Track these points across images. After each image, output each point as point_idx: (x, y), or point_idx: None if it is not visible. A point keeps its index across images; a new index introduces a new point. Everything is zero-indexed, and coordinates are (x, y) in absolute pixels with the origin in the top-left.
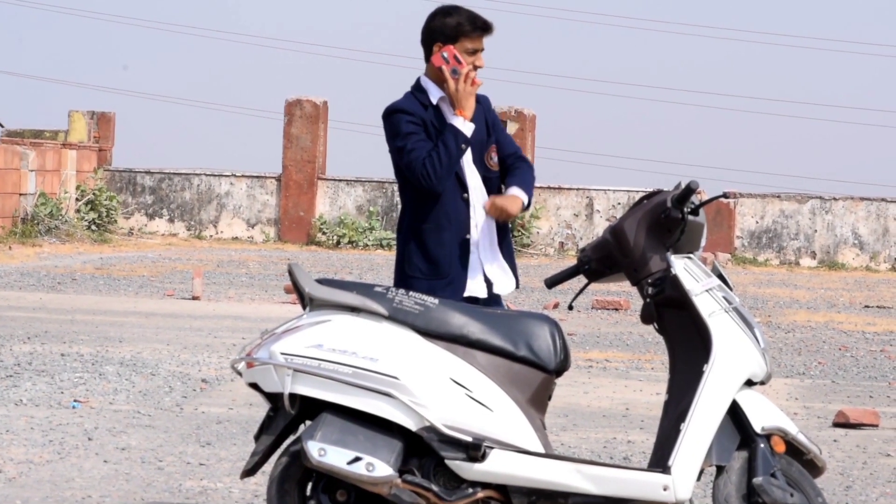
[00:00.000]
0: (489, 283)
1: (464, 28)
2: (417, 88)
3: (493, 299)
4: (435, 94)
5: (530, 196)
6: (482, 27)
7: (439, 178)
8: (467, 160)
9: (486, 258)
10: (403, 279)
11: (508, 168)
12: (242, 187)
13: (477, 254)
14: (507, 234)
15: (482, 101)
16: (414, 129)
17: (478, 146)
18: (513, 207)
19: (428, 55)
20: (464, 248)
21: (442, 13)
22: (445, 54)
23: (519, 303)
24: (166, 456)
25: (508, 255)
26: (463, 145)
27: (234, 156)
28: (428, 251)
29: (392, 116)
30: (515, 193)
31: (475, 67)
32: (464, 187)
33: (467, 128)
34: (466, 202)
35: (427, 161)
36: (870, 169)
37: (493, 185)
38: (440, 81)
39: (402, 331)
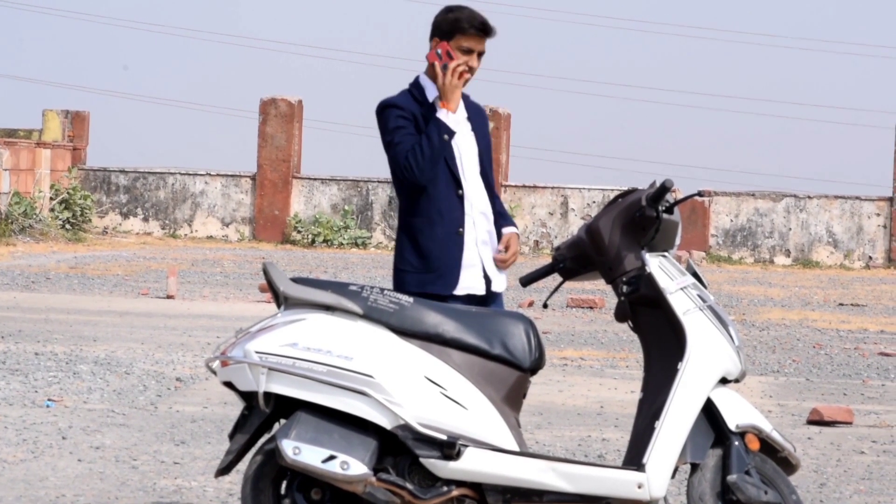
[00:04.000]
0: (489, 280)
1: (460, 25)
2: (415, 85)
3: (493, 298)
4: (432, 92)
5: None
6: (479, 28)
7: (421, 169)
8: (468, 159)
9: (486, 254)
10: (396, 274)
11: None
12: (217, 186)
13: (475, 249)
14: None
15: (482, 113)
16: (403, 123)
17: (486, 153)
18: (517, 248)
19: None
20: (457, 242)
21: (444, 10)
22: (439, 50)
23: None
24: (140, 455)
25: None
26: (446, 136)
27: (209, 155)
28: (419, 245)
29: (384, 112)
30: (513, 232)
31: (469, 68)
32: (458, 183)
33: (451, 120)
34: (461, 198)
35: (410, 153)
36: (844, 167)
37: (492, 189)
38: (435, 77)
39: (376, 329)
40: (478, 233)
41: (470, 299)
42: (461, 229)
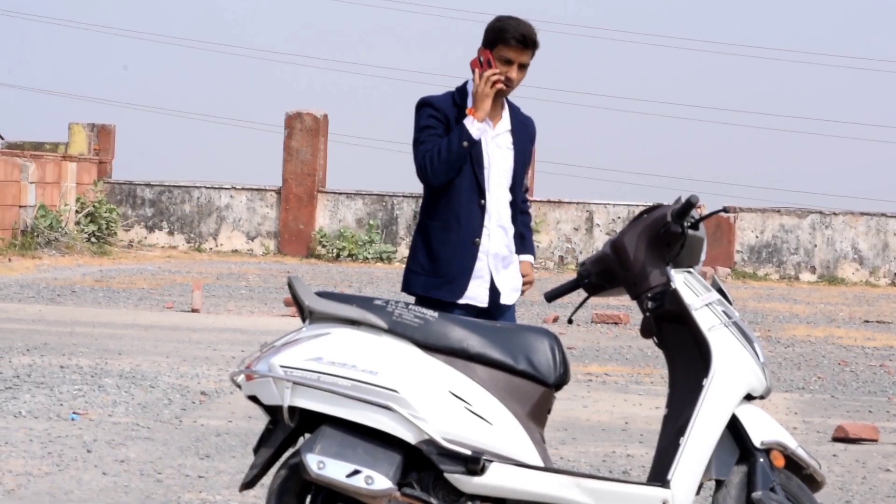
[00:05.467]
0: (497, 293)
1: (501, 36)
2: (460, 90)
3: (503, 310)
4: (472, 99)
5: (534, 249)
6: (518, 40)
7: (435, 172)
8: (497, 170)
9: (497, 267)
10: (406, 273)
11: (516, 211)
12: (242, 200)
13: (486, 261)
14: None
15: (529, 126)
16: (433, 123)
17: (520, 171)
18: (531, 278)
19: None
20: (471, 252)
21: (496, 18)
22: (482, 57)
23: (518, 316)
24: (165, 468)
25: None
26: (465, 143)
27: (235, 169)
28: (431, 249)
29: (420, 109)
30: (527, 261)
31: (507, 78)
32: (481, 193)
33: (476, 128)
34: (482, 208)
35: (427, 154)
36: (870, 184)
37: (517, 206)
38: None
39: (401, 344)
40: (492, 245)
41: (470, 310)
42: (478, 239)
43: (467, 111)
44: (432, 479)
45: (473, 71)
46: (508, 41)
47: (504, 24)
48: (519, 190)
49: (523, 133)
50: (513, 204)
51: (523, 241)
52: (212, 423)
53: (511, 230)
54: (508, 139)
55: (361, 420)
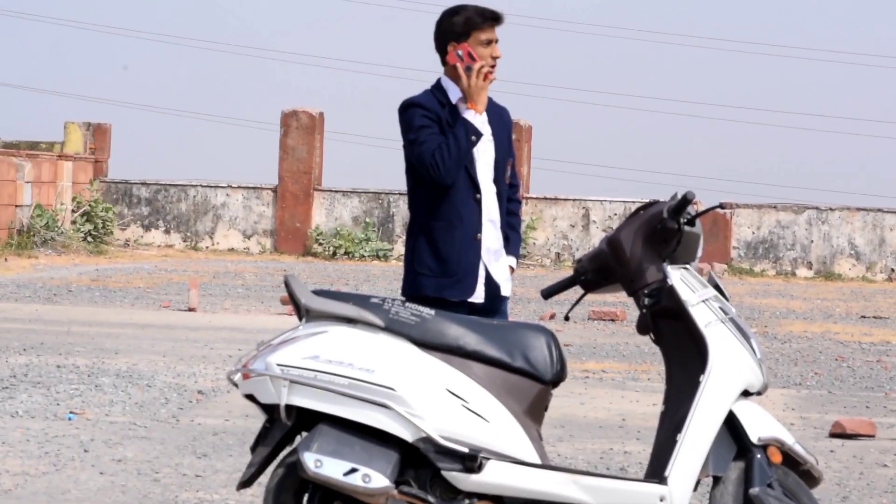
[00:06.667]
0: (496, 286)
1: (473, 22)
2: (437, 87)
3: (498, 303)
4: (454, 93)
5: (518, 252)
6: (491, 18)
7: (447, 169)
8: (483, 164)
9: (490, 261)
10: (412, 277)
11: (506, 205)
12: (238, 198)
13: (481, 257)
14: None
15: (504, 116)
16: (427, 122)
17: (501, 162)
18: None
19: (444, 58)
20: (474, 248)
21: (449, 14)
22: (460, 52)
23: (515, 313)
24: (162, 468)
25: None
26: (473, 137)
27: (231, 167)
28: (438, 249)
29: (407, 111)
30: (510, 264)
31: (493, 58)
32: (476, 188)
33: (479, 121)
34: (478, 203)
35: (437, 152)
36: (866, 179)
37: (502, 198)
38: (458, 80)
39: (398, 342)
40: (486, 239)
41: (466, 306)
42: (479, 235)
43: (468, 106)
44: (429, 476)
45: (454, 67)
46: (482, 25)
47: (467, 12)
48: (502, 182)
49: (500, 124)
50: (498, 195)
51: (507, 243)
52: (209, 421)
53: (499, 222)
54: (488, 130)
55: (358, 418)
